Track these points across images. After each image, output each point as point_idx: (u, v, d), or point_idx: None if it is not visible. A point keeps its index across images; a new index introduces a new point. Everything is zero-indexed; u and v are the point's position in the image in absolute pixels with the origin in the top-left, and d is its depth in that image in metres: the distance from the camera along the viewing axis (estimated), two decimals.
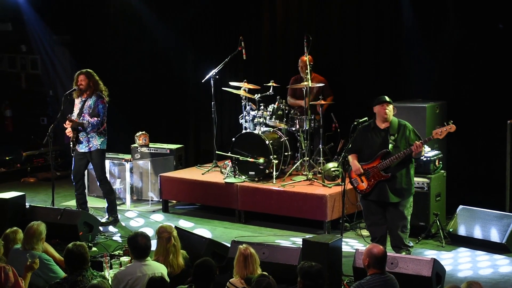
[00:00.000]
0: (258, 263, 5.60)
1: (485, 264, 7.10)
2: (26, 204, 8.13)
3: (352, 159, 6.98)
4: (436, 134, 6.64)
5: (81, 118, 8.27)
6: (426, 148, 7.89)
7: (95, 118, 8.26)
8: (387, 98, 6.84)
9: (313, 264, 4.97)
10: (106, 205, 8.64)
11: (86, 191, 8.85)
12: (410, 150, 6.66)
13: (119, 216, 8.72)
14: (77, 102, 8.41)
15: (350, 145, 6.97)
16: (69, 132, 8.30)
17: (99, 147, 8.35)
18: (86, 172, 8.79)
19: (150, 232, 7.29)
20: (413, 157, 6.81)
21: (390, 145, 6.76)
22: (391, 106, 6.84)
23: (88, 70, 8.36)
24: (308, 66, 8.67)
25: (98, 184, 8.73)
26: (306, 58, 8.66)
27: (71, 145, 8.37)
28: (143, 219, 8.90)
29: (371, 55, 9.36)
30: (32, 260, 5.62)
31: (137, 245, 5.53)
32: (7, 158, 11.29)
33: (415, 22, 8.94)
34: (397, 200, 6.82)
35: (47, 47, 11.95)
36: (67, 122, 8.23)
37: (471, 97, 8.71)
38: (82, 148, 8.35)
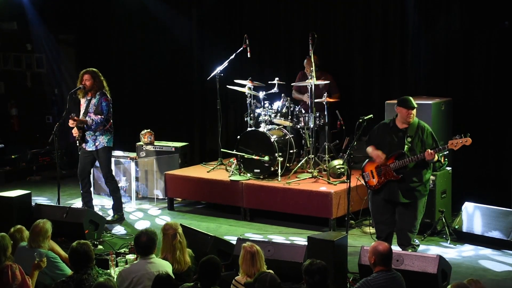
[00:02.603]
0: (263, 260, 5.62)
1: (491, 261, 7.09)
2: (32, 202, 8.15)
3: (372, 149, 6.93)
4: (451, 145, 6.59)
5: (86, 117, 8.30)
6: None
7: (99, 116, 8.29)
8: (414, 103, 6.77)
9: (316, 262, 4.96)
10: (112, 203, 8.67)
11: (92, 189, 8.88)
12: (423, 156, 6.64)
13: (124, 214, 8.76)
14: (83, 102, 8.45)
15: (368, 138, 7.02)
16: (75, 132, 8.33)
17: (105, 145, 8.39)
18: (92, 170, 8.82)
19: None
20: (431, 162, 6.76)
21: (406, 147, 6.73)
22: (415, 111, 6.81)
23: (93, 69, 8.38)
24: (314, 66, 8.66)
25: (104, 181, 8.74)
26: (311, 57, 8.64)
27: (77, 144, 8.41)
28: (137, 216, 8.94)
29: (377, 52, 9.34)
30: (39, 258, 5.64)
31: (138, 243, 5.56)
32: (13, 156, 11.32)
33: (421, 19, 8.92)
34: (407, 201, 6.81)
35: (52, 46, 11.97)
36: (71, 121, 8.26)
37: (476, 94, 8.69)
38: (89, 147, 8.39)
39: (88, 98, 8.37)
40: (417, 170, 6.75)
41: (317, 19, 9.75)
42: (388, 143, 6.85)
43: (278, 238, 7.87)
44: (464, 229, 7.65)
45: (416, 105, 6.81)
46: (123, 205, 8.86)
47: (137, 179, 9.65)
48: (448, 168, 8.01)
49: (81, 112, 8.38)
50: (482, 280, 4.86)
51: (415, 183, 6.76)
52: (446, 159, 7.93)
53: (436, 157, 6.75)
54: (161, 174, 9.53)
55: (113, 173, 8.88)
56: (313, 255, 5.66)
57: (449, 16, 8.74)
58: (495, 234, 7.45)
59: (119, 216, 8.60)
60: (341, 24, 9.60)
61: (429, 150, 6.60)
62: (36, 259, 5.64)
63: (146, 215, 9.03)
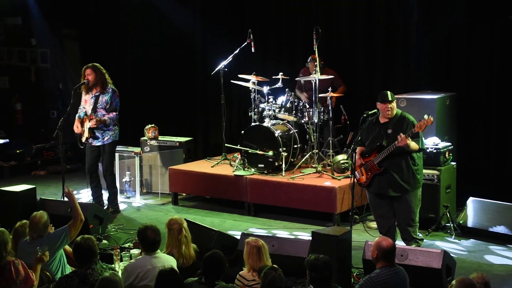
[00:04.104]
0: (268, 254, 5.63)
1: (495, 256, 7.08)
2: (37, 197, 8.17)
3: (357, 152, 6.98)
4: (417, 127, 6.55)
5: (96, 113, 8.32)
6: (436, 140, 7.86)
7: (114, 113, 8.35)
8: (389, 97, 6.71)
9: (319, 256, 4.96)
10: (107, 195, 8.69)
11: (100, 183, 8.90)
12: (396, 144, 6.60)
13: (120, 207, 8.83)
14: (88, 98, 8.44)
15: (359, 137, 6.98)
16: (78, 129, 8.33)
17: (115, 139, 8.46)
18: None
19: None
20: (408, 150, 6.65)
21: (385, 140, 6.72)
22: (394, 104, 6.76)
23: (94, 63, 8.41)
24: (318, 61, 8.63)
25: (102, 174, 8.72)
26: (316, 52, 8.62)
27: (85, 141, 8.42)
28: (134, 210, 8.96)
29: (381, 46, 9.32)
30: (42, 252, 5.67)
31: (146, 238, 5.56)
32: (17, 151, 11.35)
33: (424, 13, 8.89)
34: (396, 194, 6.77)
35: (56, 41, 11.98)
36: (93, 122, 8.25)
37: (481, 89, 8.66)
38: (98, 142, 8.42)
39: (96, 94, 8.37)
40: (399, 162, 6.70)
41: (320, 14, 9.72)
42: (373, 139, 6.85)
43: (282, 233, 7.87)
44: (469, 224, 7.63)
45: (393, 99, 6.75)
46: (127, 200, 8.88)
47: (141, 174, 9.66)
48: (453, 163, 7.99)
49: (90, 108, 8.38)
50: (487, 275, 4.85)
51: (402, 176, 6.71)
52: (451, 154, 7.92)
53: (414, 145, 6.58)
54: (165, 169, 9.53)
55: (117, 168, 8.89)
56: (317, 250, 5.66)
57: (452, 10, 8.70)
58: (500, 229, 7.44)
59: (114, 209, 8.65)
60: (344, 19, 9.57)
61: (401, 134, 6.53)
62: (39, 253, 5.66)
63: (150, 209, 9.03)
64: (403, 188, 6.75)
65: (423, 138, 6.82)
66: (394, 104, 6.77)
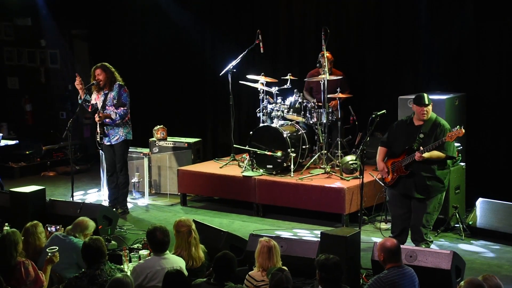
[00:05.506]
0: (279, 255, 5.64)
1: (505, 257, 7.05)
2: (46, 198, 8.20)
3: (379, 156, 6.98)
4: (448, 137, 6.60)
5: (105, 111, 8.36)
6: None
7: (122, 108, 8.38)
8: (426, 100, 6.76)
9: (330, 257, 4.96)
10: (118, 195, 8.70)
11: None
12: (414, 156, 6.65)
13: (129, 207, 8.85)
14: (98, 97, 8.48)
15: (385, 137, 7.03)
16: (98, 119, 8.38)
17: (125, 138, 8.49)
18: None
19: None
20: (432, 161, 6.71)
21: (416, 143, 6.73)
22: (430, 107, 6.80)
23: (103, 63, 8.47)
24: (327, 62, 8.62)
25: (117, 173, 8.74)
26: (324, 52, 8.61)
27: (98, 139, 8.46)
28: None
29: (390, 47, 9.29)
30: (52, 253, 5.69)
31: (154, 239, 5.57)
32: (27, 152, 11.39)
33: (434, 13, 8.86)
34: (421, 196, 6.79)
35: (65, 42, 12.03)
36: (97, 117, 8.31)
37: (490, 89, 8.62)
38: (108, 141, 8.45)
39: (105, 92, 8.42)
40: (426, 167, 6.72)
41: (329, 14, 9.70)
42: (404, 140, 6.86)
43: (291, 234, 7.86)
44: (478, 225, 7.61)
45: (430, 102, 6.81)
46: (136, 201, 8.91)
47: (150, 174, 9.68)
48: (462, 164, 7.96)
49: (99, 106, 8.42)
50: (497, 276, 4.82)
51: (426, 178, 6.73)
52: (460, 155, 7.88)
53: (438, 154, 6.64)
54: (174, 170, 9.55)
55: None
56: (326, 251, 5.65)
57: (461, 10, 8.66)
58: (510, 229, 7.40)
59: (123, 210, 8.66)
60: (353, 19, 9.55)
61: (417, 152, 6.61)
62: (49, 254, 5.69)
63: (159, 210, 9.05)
64: (428, 190, 6.77)
65: (454, 145, 6.85)
66: (430, 108, 6.81)
